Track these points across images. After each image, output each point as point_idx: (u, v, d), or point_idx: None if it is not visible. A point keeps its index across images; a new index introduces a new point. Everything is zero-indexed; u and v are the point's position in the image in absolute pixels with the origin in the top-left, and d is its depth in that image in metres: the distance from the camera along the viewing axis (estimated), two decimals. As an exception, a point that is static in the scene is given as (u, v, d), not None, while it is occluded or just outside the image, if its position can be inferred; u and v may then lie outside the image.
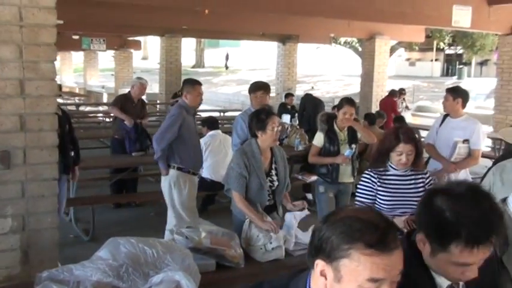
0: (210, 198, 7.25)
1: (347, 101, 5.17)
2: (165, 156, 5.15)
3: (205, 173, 6.70)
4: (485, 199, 1.54)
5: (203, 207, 7.17)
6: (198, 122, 7.10)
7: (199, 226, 3.38)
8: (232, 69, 39.82)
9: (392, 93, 13.13)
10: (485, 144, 5.03)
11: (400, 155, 3.37)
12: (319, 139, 5.16)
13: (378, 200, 3.45)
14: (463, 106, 5.21)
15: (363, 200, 3.46)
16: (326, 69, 34.76)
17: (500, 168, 3.00)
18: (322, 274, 1.35)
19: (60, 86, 25.64)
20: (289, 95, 12.73)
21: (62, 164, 4.97)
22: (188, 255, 2.84)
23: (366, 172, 3.53)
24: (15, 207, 3.15)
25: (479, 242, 1.48)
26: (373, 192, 3.46)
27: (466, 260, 1.52)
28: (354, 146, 5.05)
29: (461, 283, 1.71)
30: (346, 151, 5.01)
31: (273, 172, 3.93)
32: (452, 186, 1.61)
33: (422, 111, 21.40)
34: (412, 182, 3.50)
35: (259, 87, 5.29)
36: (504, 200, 2.14)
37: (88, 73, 27.82)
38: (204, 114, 11.67)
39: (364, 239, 1.29)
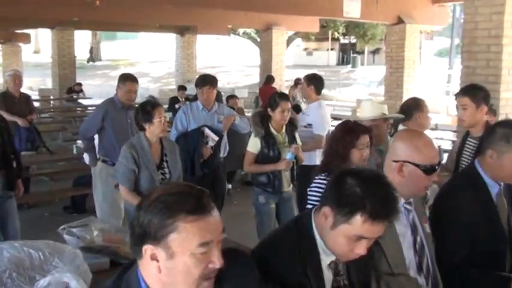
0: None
1: (280, 96, 4.61)
2: (91, 147, 5.19)
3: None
4: (389, 184, 1.72)
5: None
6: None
7: (92, 224, 3.27)
8: (132, 61, 38.85)
9: (268, 80, 13.47)
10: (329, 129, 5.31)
11: (363, 149, 3.12)
12: (254, 144, 4.53)
13: None
14: (316, 92, 5.50)
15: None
16: (226, 60, 34.90)
17: None
18: (153, 258, 1.35)
19: None
20: (181, 88, 12.93)
21: (6, 179, 4.41)
22: (78, 256, 2.74)
23: (319, 178, 3.13)
24: None
25: (380, 216, 1.63)
26: None
27: (363, 233, 1.65)
28: (294, 146, 4.47)
29: (341, 262, 1.82)
30: (288, 154, 4.41)
31: (164, 164, 3.91)
32: (361, 170, 1.81)
33: (320, 100, 22.12)
34: None
35: (205, 82, 5.16)
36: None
37: (-27, 69, 26.00)
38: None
39: (184, 208, 1.33)
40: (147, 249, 1.34)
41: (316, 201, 3.14)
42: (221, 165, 5.21)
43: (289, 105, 4.54)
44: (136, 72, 33.17)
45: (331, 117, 12.36)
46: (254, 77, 23.85)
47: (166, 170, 3.90)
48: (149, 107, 3.80)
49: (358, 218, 1.63)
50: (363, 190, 1.64)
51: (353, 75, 28.82)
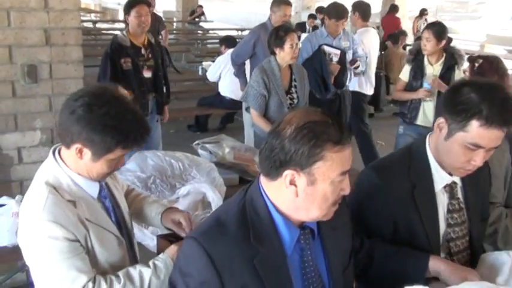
0: (229, 117, 7.32)
1: (428, 26, 4.46)
2: (242, 72, 5.31)
3: (224, 91, 6.73)
4: (507, 92, 1.65)
5: (222, 125, 7.31)
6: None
7: (223, 142, 3.45)
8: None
9: (392, 9, 12.60)
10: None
11: None
12: (405, 72, 4.53)
13: None
14: (362, 19, 5.52)
15: None
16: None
17: None
18: (292, 183, 1.38)
19: (75, 3, 25.20)
20: (311, 16, 12.19)
21: (155, 101, 4.53)
22: (213, 169, 2.93)
23: None
24: (44, 120, 3.23)
25: (496, 121, 1.56)
26: None
27: (479, 140, 1.59)
28: (432, 75, 4.28)
29: (459, 184, 1.80)
30: (425, 82, 4.27)
31: (293, 90, 3.93)
32: (479, 80, 1.77)
33: (445, 33, 20.83)
34: None
35: (342, 15, 5.03)
36: None
37: (103, -11, 27.24)
38: (221, 33, 11.49)
39: (331, 138, 1.35)
40: (288, 174, 1.36)
41: None
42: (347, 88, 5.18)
43: (431, 34, 4.23)
44: (255, -3, 32.95)
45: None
46: (375, 7, 22.87)
47: (295, 95, 3.92)
48: (282, 32, 3.78)
49: (473, 123, 1.58)
50: (479, 96, 1.59)
51: (483, 7, 26.71)
